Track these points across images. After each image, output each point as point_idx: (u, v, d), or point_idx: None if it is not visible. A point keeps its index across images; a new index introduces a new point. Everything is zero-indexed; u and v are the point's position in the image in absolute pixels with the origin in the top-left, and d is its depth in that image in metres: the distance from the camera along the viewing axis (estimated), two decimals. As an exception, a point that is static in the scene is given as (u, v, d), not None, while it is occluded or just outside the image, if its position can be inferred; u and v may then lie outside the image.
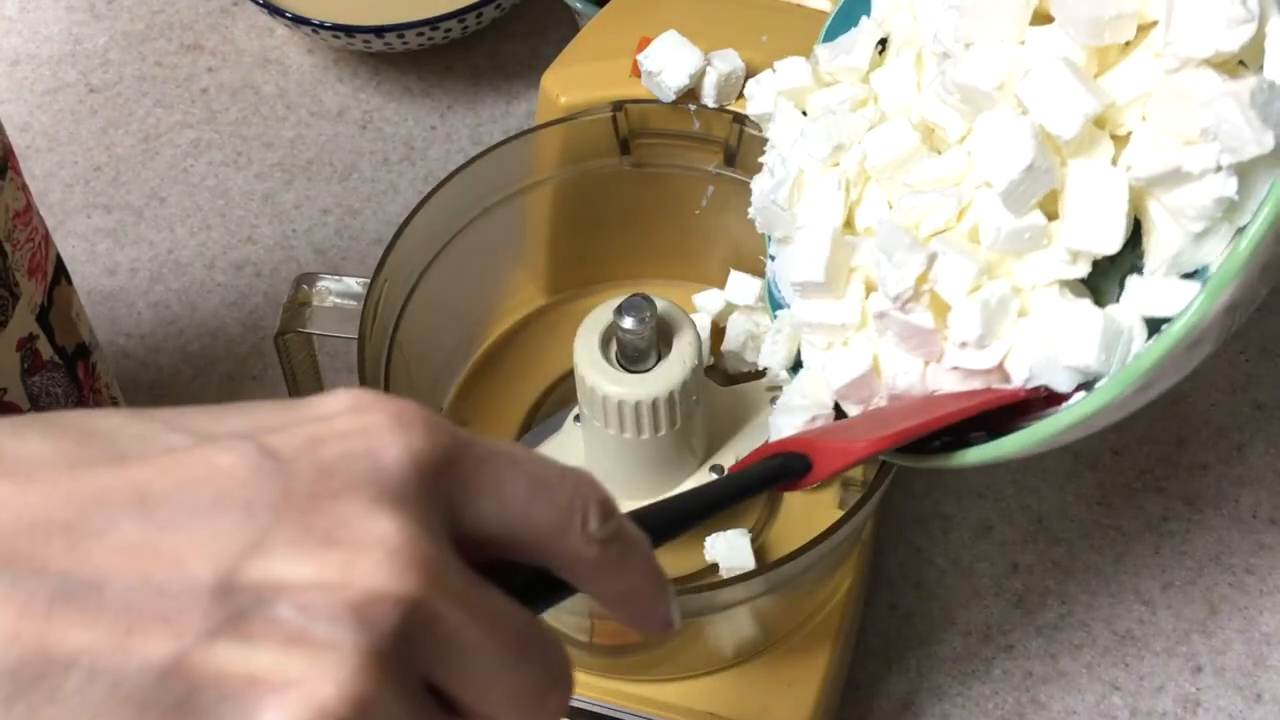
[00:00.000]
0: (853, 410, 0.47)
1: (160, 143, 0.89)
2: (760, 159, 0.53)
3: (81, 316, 0.62)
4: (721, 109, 0.59)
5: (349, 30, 0.84)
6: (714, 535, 0.58)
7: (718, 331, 0.63)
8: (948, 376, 0.43)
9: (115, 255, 0.84)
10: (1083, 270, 0.41)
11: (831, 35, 0.53)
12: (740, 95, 0.59)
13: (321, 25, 0.84)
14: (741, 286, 0.62)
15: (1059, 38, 0.41)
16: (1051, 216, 0.42)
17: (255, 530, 0.25)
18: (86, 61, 0.93)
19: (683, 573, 0.59)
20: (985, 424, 0.43)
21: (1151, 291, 0.39)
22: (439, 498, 0.27)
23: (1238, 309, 0.37)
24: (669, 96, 0.59)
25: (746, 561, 0.57)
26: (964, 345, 0.42)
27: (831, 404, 0.48)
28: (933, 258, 0.42)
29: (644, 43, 0.59)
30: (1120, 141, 0.41)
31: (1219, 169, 0.36)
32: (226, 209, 0.86)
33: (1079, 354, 0.40)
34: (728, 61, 0.59)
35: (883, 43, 0.50)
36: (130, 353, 0.80)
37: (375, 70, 0.92)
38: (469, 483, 0.28)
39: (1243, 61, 0.38)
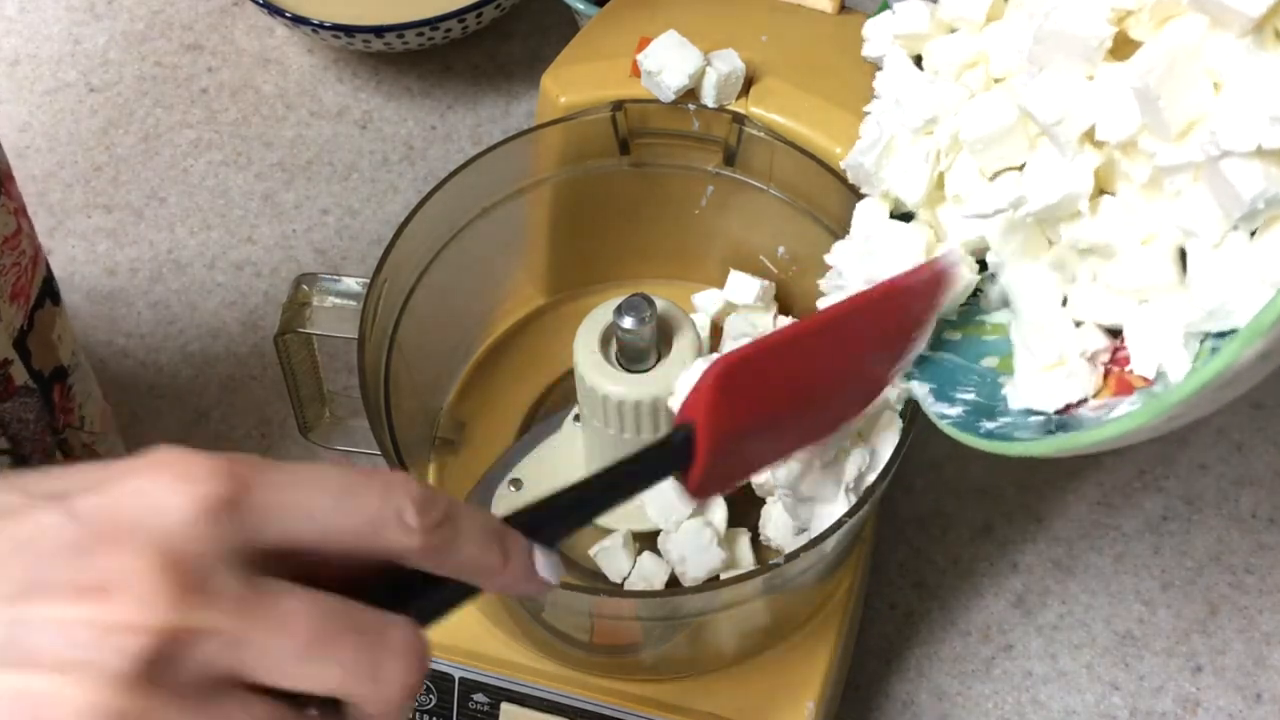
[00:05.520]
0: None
1: (160, 143, 0.89)
2: (867, 109, 0.52)
3: (64, 337, 0.61)
4: (721, 109, 0.59)
5: (349, 30, 0.84)
6: (714, 535, 0.58)
7: (717, 331, 0.63)
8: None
9: (115, 255, 0.84)
10: None
11: None
12: (740, 95, 0.59)
13: (321, 25, 0.84)
14: (741, 286, 0.62)
15: (1129, 73, 0.41)
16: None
17: (41, 574, 0.30)
18: (86, 61, 0.93)
19: (683, 573, 0.59)
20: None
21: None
22: (229, 530, 0.31)
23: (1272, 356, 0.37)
24: (669, 96, 0.59)
25: (747, 561, 0.57)
26: None
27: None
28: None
29: (644, 43, 0.59)
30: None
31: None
32: (226, 209, 0.86)
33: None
34: (728, 61, 0.59)
35: None
36: (130, 353, 0.80)
37: (375, 70, 0.92)
38: (267, 509, 0.32)
39: None
